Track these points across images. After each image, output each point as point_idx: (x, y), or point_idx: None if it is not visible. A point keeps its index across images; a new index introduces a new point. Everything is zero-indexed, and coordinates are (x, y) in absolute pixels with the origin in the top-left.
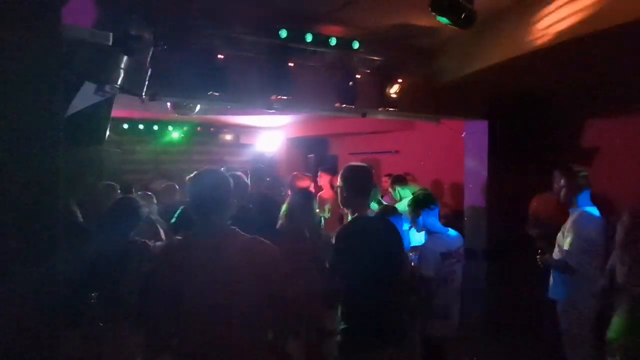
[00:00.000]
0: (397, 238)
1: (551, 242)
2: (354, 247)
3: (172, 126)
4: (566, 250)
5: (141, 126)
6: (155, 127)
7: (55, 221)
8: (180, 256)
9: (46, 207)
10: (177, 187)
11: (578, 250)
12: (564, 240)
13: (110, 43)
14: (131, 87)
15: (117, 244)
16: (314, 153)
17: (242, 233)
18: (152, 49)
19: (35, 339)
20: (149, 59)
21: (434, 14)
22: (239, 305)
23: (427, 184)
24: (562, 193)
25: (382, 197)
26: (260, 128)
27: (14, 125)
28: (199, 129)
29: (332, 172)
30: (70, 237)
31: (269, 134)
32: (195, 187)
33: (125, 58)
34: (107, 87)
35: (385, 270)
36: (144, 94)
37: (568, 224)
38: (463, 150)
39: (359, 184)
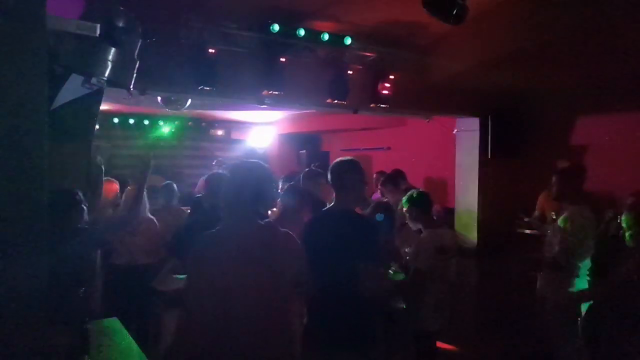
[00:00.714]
0: (363, 235)
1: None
2: (309, 242)
3: (163, 121)
4: (556, 248)
5: (132, 120)
6: (146, 122)
7: (40, 218)
8: (226, 249)
9: (31, 203)
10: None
11: (567, 248)
12: (554, 237)
13: (97, 35)
14: (119, 80)
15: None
16: (305, 149)
17: (276, 225)
18: (140, 41)
19: (22, 335)
20: (137, 52)
21: (425, 10)
22: (279, 296)
23: (418, 181)
24: (553, 190)
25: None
26: (251, 123)
27: None
28: (190, 123)
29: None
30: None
31: (260, 129)
32: (237, 177)
33: (112, 50)
34: (94, 80)
35: (343, 269)
36: (131, 86)
37: (560, 220)
38: (454, 147)
39: (336, 178)
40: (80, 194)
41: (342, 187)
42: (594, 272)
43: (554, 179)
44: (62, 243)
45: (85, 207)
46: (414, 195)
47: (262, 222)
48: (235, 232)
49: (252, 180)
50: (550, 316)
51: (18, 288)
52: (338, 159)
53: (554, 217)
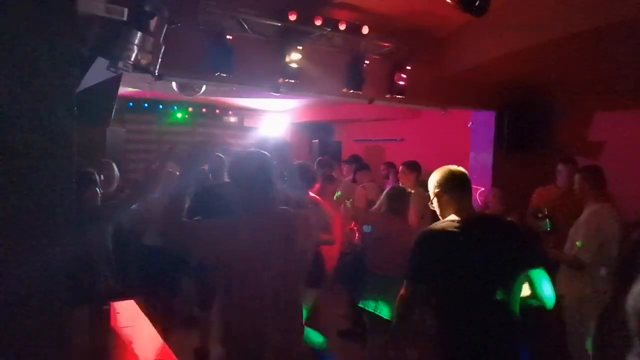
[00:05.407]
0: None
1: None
2: (437, 258)
3: (177, 106)
4: (579, 245)
5: (146, 105)
6: (160, 107)
7: (70, 200)
8: (242, 233)
9: (61, 184)
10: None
11: (591, 246)
12: (577, 234)
13: (125, 18)
14: (144, 64)
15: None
16: (318, 138)
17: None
18: (165, 26)
19: (43, 314)
20: (162, 37)
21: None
22: (296, 270)
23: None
24: (576, 187)
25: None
26: (265, 111)
27: (27, 101)
28: (204, 110)
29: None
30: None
31: (273, 117)
32: (243, 167)
33: (139, 34)
34: (120, 64)
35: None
36: (156, 71)
37: (583, 218)
38: (469, 141)
39: (458, 182)
40: (96, 175)
41: (462, 191)
42: (617, 275)
43: (576, 177)
44: (80, 225)
45: (99, 190)
46: None
47: (280, 209)
48: (251, 220)
49: (258, 169)
50: (568, 315)
51: (43, 269)
52: (448, 168)
53: (546, 212)
